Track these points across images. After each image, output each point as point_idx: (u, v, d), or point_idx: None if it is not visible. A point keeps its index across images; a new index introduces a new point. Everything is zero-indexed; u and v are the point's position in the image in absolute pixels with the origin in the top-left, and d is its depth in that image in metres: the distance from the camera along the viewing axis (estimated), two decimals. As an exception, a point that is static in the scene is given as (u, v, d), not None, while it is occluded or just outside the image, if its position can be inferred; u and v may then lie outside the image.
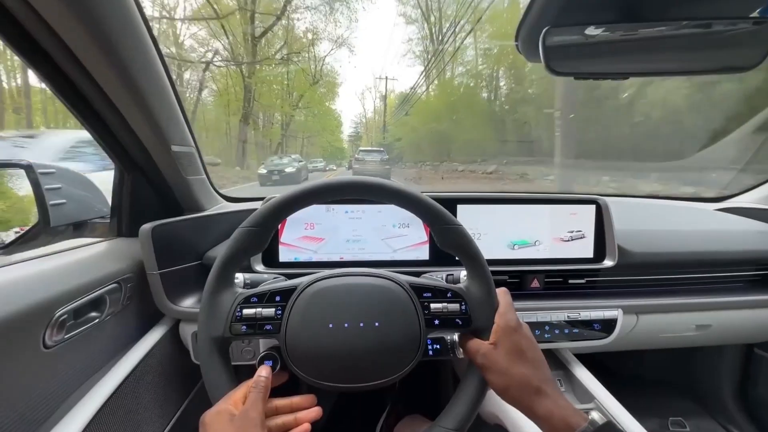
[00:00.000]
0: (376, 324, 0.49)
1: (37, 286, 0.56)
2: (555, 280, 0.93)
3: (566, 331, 0.87)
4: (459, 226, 0.52)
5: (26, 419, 0.54)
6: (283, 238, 0.85)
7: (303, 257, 0.86)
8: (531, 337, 0.50)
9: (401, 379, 0.50)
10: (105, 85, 0.63)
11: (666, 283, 0.99)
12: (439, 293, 0.52)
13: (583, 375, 0.85)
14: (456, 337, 0.79)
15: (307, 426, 0.47)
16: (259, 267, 0.83)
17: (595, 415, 0.43)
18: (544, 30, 0.59)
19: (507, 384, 0.46)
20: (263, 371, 0.48)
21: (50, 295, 0.57)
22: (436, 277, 0.66)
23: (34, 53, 0.57)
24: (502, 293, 0.53)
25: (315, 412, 0.49)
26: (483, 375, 0.49)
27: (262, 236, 0.50)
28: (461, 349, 0.77)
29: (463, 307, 0.51)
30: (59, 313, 0.57)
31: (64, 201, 0.76)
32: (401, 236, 0.87)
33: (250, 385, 0.47)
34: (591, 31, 0.61)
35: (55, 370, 0.59)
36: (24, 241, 0.72)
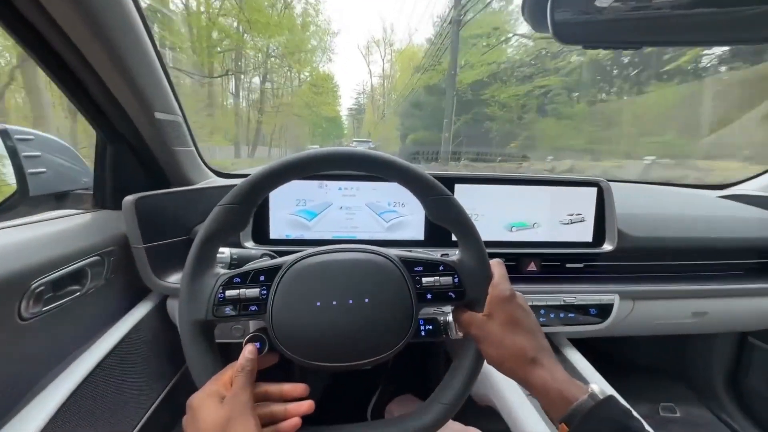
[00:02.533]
0: (366, 300, 0.46)
1: (12, 255, 0.54)
2: (552, 263, 0.91)
3: (561, 315, 0.86)
4: (450, 197, 0.49)
5: (11, 388, 0.52)
6: (274, 214, 0.82)
7: (294, 234, 0.83)
8: (526, 306, 0.48)
9: (393, 360, 0.49)
10: (82, 46, 0.59)
11: (664, 270, 0.97)
12: (430, 266, 0.50)
13: (577, 359, 0.85)
14: (449, 318, 0.78)
15: (297, 420, 0.45)
16: (249, 243, 0.81)
17: (595, 388, 0.40)
18: (551, -3, 0.56)
19: (502, 355, 0.45)
20: (248, 352, 0.46)
21: (26, 266, 0.54)
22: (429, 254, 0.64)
23: (6, 13, 0.53)
24: (495, 264, 0.51)
25: (307, 405, 0.46)
26: (478, 347, 0.48)
27: (242, 214, 0.48)
28: (455, 326, 0.76)
29: (456, 280, 0.49)
30: (36, 284, 0.55)
31: (44, 170, 0.73)
32: (396, 214, 0.85)
33: (235, 366, 0.45)
34: (601, 1, 0.57)
35: (34, 342, 0.57)
36: (0, 211, 0.69)
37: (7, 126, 0.67)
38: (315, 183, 0.82)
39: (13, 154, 0.68)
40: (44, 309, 0.57)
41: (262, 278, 0.48)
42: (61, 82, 0.64)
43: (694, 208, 1.16)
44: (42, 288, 0.56)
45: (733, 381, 1.23)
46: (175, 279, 0.77)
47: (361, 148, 0.50)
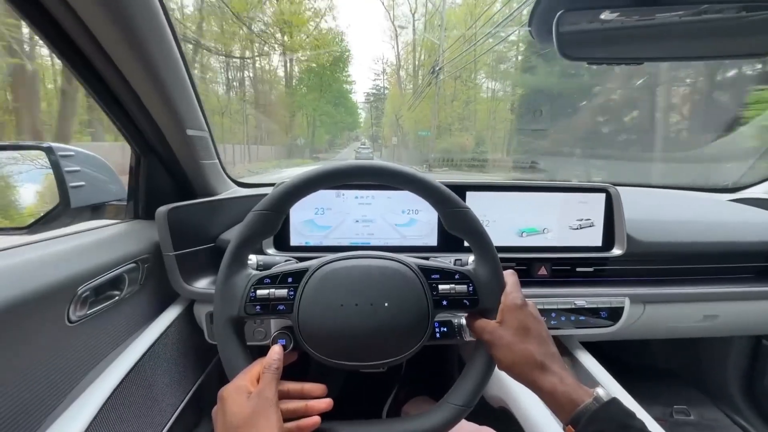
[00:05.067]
0: (386, 304, 0.50)
1: (61, 263, 0.59)
2: (563, 268, 0.93)
3: (572, 318, 0.88)
4: (467, 209, 0.52)
5: (54, 388, 0.57)
6: (294, 222, 0.86)
7: (313, 241, 0.87)
8: (537, 314, 0.51)
9: (408, 362, 0.52)
10: (123, 67, 0.64)
11: (674, 273, 0.98)
12: (447, 275, 0.53)
13: (588, 361, 0.86)
14: (463, 320, 0.81)
15: (317, 419, 0.48)
16: (271, 250, 0.85)
17: (600, 392, 0.43)
18: (557, 14, 0.59)
19: (512, 360, 0.47)
20: (275, 352, 0.49)
21: (73, 273, 0.59)
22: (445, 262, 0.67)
23: (55, 36, 0.59)
24: (509, 274, 0.54)
25: (326, 403, 0.49)
26: (489, 352, 0.50)
27: (274, 220, 0.52)
28: (468, 331, 0.79)
29: (471, 289, 0.52)
30: (82, 289, 0.60)
31: (83, 183, 0.78)
32: (410, 222, 0.88)
33: (263, 363, 0.48)
34: (606, 15, 0.60)
35: (79, 344, 0.62)
36: (45, 222, 0.75)
37: (52, 143, 0.73)
38: (333, 192, 0.86)
39: (57, 169, 0.73)
40: (89, 312, 0.62)
41: (290, 280, 0.51)
42: (102, 102, 0.70)
43: (705, 211, 1.17)
44: (87, 293, 0.61)
45: (747, 384, 1.23)
46: (201, 285, 0.82)
47: (381, 161, 0.53)
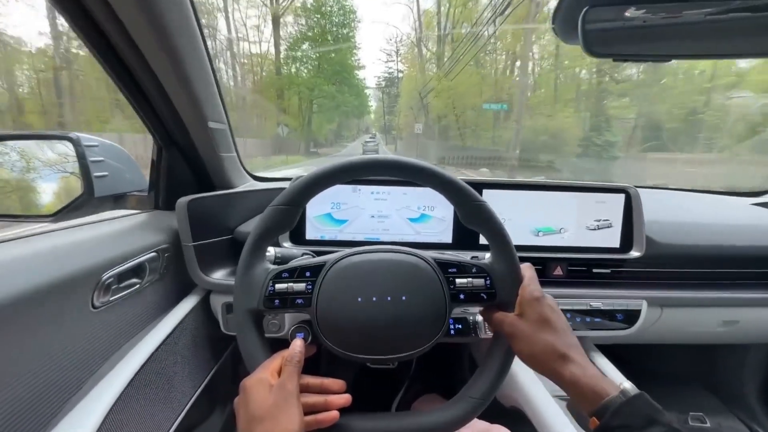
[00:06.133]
0: (403, 298, 0.50)
1: (87, 251, 0.61)
2: (579, 268, 0.92)
3: (587, 319, 0.87)
4: (484, 203, 0.52)
5: (77, 371, 0.59)
6: (310, 216, 0.87)
7: (329, 236, 0.88)
8: (555, 306, 0.50)
9: (419, 360, 0.52)
10: (151, 60, 0.65)
11: (694, 277, 0.96)
12: (464, 269, 0.53)
13: (603, 363, 0.85)
14: (479, 317, 0.80)
15: (336, 413, 0.48)
16: (287, 243, 0.86)
17: (626, 385, 0.42)
18: (582, 11, 0.58)
19: (533, 351, 0.47)
20: (297, 345, 0.49)
21: (98, 260, 0.61)
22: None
23: (88, 28, 0.60)
24: (526, 267, 0.54)
25: (345, 398, 0.50)
26: (509, 343, 0.50)
27: (291, 214, 0.52)
28: (484, 328, 0.78)
29: (488, 282, 0.52)
30: (106, 276, 0.61)
31: (106, 173, 0.80)
32: (425, 218, 0.88)
33: (284, 356, 0.48)
34: (631, 12, 0.59)
35: (102, 329, 0.63)
36: (70, 210, 0.77)
37: (79, 134, 0.75)
38: (349, 187, 0.86)
39: (82, 158, 0.75)
40: (111, 299, 0.64)
41: (308, 274, 0.52)
42: (129, 93, 0.71)
43: (726, 215, 1.14)
44: (111, 280, 0.63)
45: (765, 392, 1.20)
46: (218, 275, 0.83)
47: (395, 156, 0.53)
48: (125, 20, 0.59)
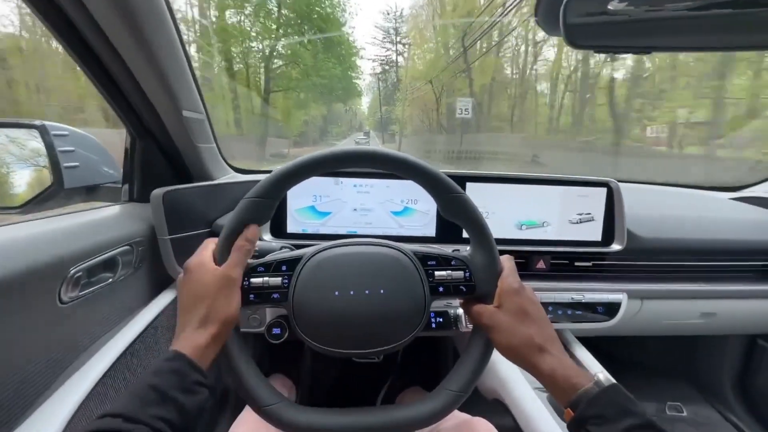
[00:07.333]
0: (382, 291, 0.49)
1: (53, 243, 0.58)
2: (561, 261, 0.93)
3: (569, 312, 0.88)
4: (462, 194, 0.52)
5: (46, 368, 0.56)
6: (291, 209, 0.85)
7: (310, 229, 0.86)
8: (534, 298, 0.50)
9: (404, 353, 0.51)
10: (119, 46, 0.62)
11: (673, 270, 0.98)
12: (443, 261, 0.52)
13: (584, 355, 0.86)
14: (460, 311, 0.80)
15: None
16: (267, 236, 0.84)
17: (601, 376, 0.42)
18: (564, 3, 0.57)
19: (511, 342, 0.47)
20: (250, 233, 0.48)
21: (65, 252, 0.58)
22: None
23: (52, 14, 0.57)
24: (505, 259, 0.53)
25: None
26: (487, 335, 0.50)
27: (267, 207, 0.50)
28: (465, 321, 0.78)
29: (467, 274, 0.52)
30: (74, 270, 0.59)
31: (77, 164, 0.77)
32: (408, 212, 0.87)
33: (236, 246, 0.47)
34: (613, 5, 0.59)
35: (71, 325, 0.61)
36: (38, 202, 0.74)
37: (46, 122, 0.71)
38: (331, 180, 0.85)
39: (51, 148, 0.72)
40: (80, 294, 0.61)
41: (284, 268, 0.51)
42: (96, 80, 0.68)
43: (706, 209, 1.16)
44: (79, 274, 0.60)
45: (741, 383, 1.23)
46: None
47: (376, 147, 0.52)
48: (91, 8, 0.56)
